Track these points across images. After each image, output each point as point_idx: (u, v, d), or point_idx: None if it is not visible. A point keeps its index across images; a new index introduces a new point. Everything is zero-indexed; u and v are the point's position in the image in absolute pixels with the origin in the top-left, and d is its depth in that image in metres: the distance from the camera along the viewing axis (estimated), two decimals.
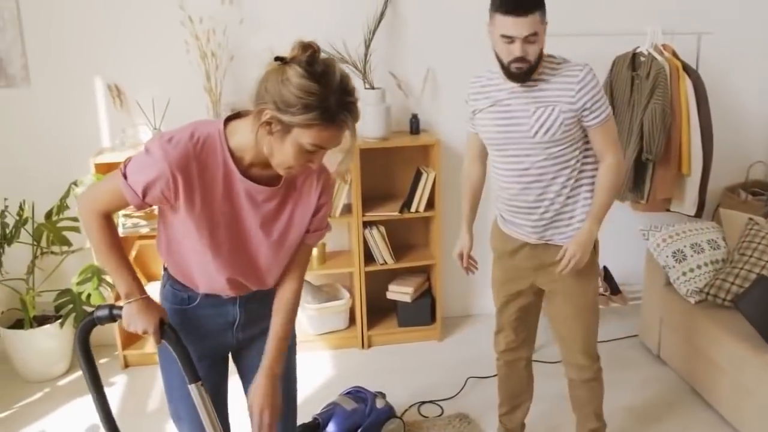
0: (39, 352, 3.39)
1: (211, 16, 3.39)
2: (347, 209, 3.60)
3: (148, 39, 3.43)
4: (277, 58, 1.49)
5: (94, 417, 3.07)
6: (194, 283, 1.76)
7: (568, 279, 2.34)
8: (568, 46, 3.73)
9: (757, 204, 3.73)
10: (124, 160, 1.62)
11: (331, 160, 1.68)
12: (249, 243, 1.71)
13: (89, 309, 3.38)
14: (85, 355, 1.77)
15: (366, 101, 3.48)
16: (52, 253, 3.40)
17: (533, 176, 2.24)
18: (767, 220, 3.25)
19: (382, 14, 3.52)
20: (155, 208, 1.82)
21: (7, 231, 3.30)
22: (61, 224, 3.33)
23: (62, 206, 3.33)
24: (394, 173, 3.81)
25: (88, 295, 3.21)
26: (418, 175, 3.58)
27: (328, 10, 3.54)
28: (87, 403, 3.24)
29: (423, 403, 3.19)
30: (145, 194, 1.57)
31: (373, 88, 3.51)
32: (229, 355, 1.98)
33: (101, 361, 3.56)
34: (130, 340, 3.55)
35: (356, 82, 3.55)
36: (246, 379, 1.97)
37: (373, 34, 3.51)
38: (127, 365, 3.53)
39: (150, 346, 3.49)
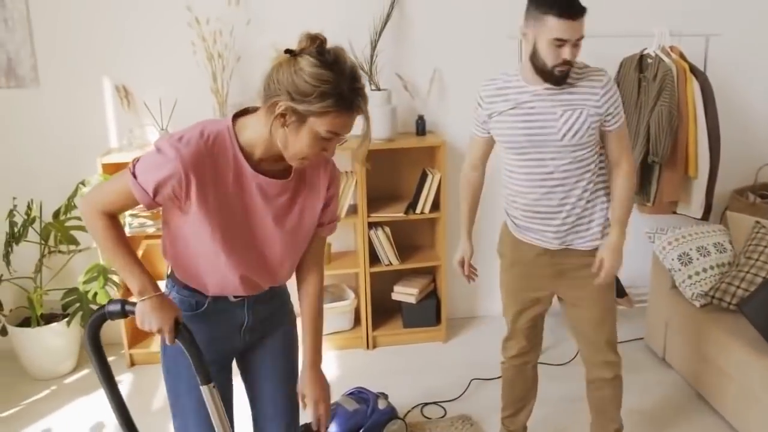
0: (46, 350, 3.42)
1: (218, 18, 3.41)
2: (353, 210, 3.61)
3: (156, 40, 3.46)
4: (287, 51, 1.52)
5: (99, 415, 3.13)
6: (204, 286, 1.75)
7: (593, 284, 2.33)
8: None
9: (766, 207, 3.70)
10: (133, 160, 1.61)
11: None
12: (263, 238, 1.72)
13: (96, 308, 3.41)
14: (96, 349, 1.74)
15: (372, 102, 3.46)
16: (60, 252, 3.44)
17: (557, 180, 2.22)
18: None
19: (389, 15, 3.53)
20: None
21: (16, 230, 3.33)
22: (68, 223, 3.36)
23: (70, 206, 3.36)
24: (400, 174, 3.81)
25: (95, 294, 3.24)
26: (423, 177, 3.58)
27: (334, 11, 3.55)
28: (93, 401, 3.27)
29: (426, 404, 3.19)
30: (156, 193, 1.57)
31: (379, 89, 3.52)
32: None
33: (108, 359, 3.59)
34: (137, 338, 3.58)
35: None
36: (251, 380, 1.96)
37: (380, 35, 3.52)
38: (133, 364, 3.55)
39: (156, 344, 3.51)
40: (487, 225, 4.00)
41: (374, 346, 3.75)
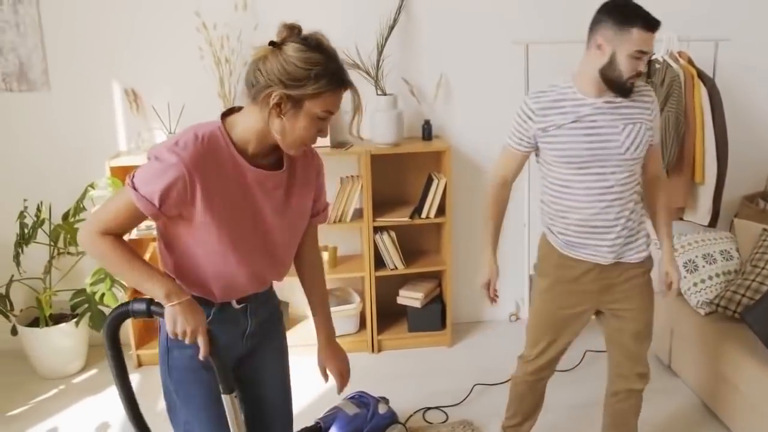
0: (55, 350, 3.47)
1: (225, 23, 3.45)
2: (358, 214, 3.63)
3: (164, 45, 3.50)
4: (271, 43, 1.56)
5: (106, 415, 3.17)
6: (210, 292, 1.75)
7: (640, 297, 2.33)
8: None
9: None
10: (129, 177, 1.59)
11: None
12: (266, 231, 1.74)
13: (104, 309, 3.47)
14: (113, 344, 1.72)
15: (377, 107, 3.50)
16: (69, 253, 3.49)
17: (615, 194, 2.20)
18: None
19: (396, 20, 3.54)
20: None
21: (26, 231, 3.39)
22: (77, 225, 3.41)
23: (79, 208, 3.41)
24: (406, 179, 3.82)
25: (102, 295, 3.29)
26: (429, 181, 3.58)
27: (341, 16, 3.57)
28: (100, 401, 3.31)
29: (428, 408, 3.20)
30: (162, 202, 1.56)
31: (384, 94, 3.53)
32: None
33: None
34: (144, 339, 3.62)
35: (368, 88, 3.62)
36: (250, 386, 1.96)
37: (386, 39, 3.53)
38: (140, 364, 3.59)
39: None
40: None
41: (379, 350, 3.76)
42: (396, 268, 3.65)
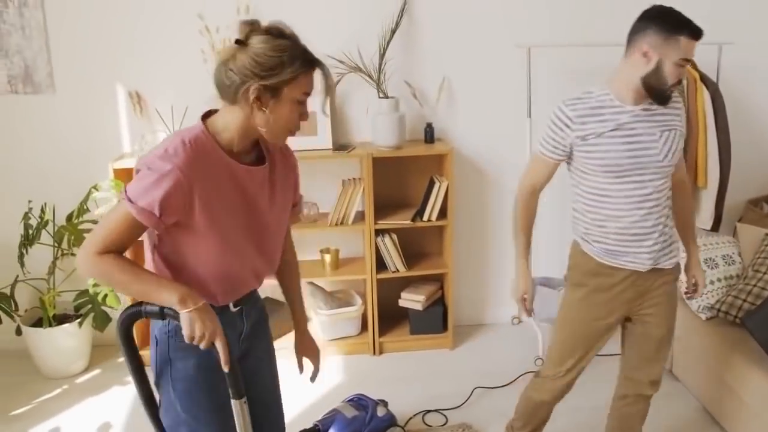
0: (58, 350, 3.50)
1: (228, 26, 3.47)
2: (360, 217, 3.63)
3: (168, 48, 3.52)
4: (237, 41, 1.59)
5: (108, 415, 3.20)
6: (213, 295, 1.75)
7: (667, 302, 2.34)
8: (586, 55, 3.73)
9: None
10: (122, 193, 1.59)
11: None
12: (261, 226, 1.77)
13: (107, 310, 3.49)
14: (128, 344, 1.72)
15: (379, 110, 3.51)
16: (72, 254, 3.52)
17: (653, 201, 2.19)
18: None
19: (398, 23, 3.55)
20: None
21: (30, 232, 3.42)
22: (81, 226, 3.44)
23: (82, 209, 3.44)
24: (409, 182, 3.83)
25: (105, 296, 3.31)
26: (431, 184, 3.59)
27: (343, 19, 3.58)
28: (102, 401, 3.34)
29: (428, 411, 3.20)
30: (162, 211, 1.55)
31: (386, 97, 3.54)
32: None
33: (118, 360, 3.67)
34: (147, 340, 3.65)
35: (370, 91, 3.62)
36: (245, 386, 1.98)
37: (388, 43, 3.54)
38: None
39: None
40: (499, 230, 4.02)
41: (381, 352, 3.77)
42: (397, 270, 3.66)
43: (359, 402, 2.96)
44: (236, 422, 1.69)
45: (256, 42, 1.56)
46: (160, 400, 1.80)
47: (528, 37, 3.67)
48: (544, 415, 2.57)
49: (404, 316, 3.86)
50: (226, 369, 1.61)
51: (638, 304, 2.32)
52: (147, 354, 3.52)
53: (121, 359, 3.68)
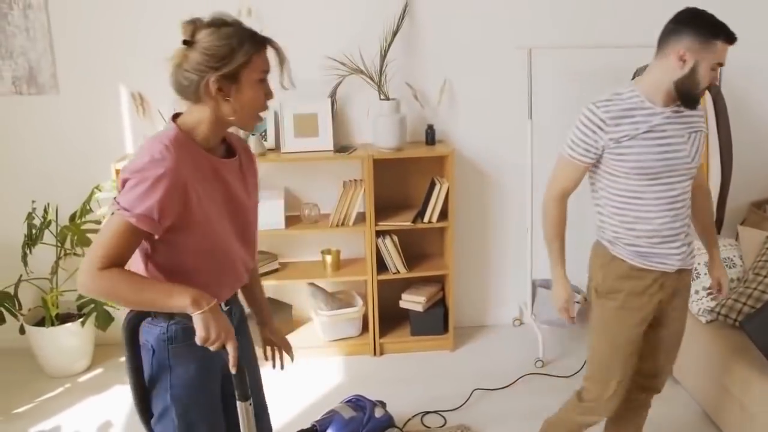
0: (61, 349, 3.53)
1: None
2: (361, 218, 3.64)
3: (170, 49, 3.53)
4: (184, 42, 1.62)
5: (109, 414, 3.22)
6: (217, 293, 1.76)
7: (684, 303, 2.34)
8: (587, 57, 3.73)
9: None
10: (113, 207, 1.57)
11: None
12: (244, 216, 1.80)
13: (109, 309, 3.52)
14: (132, 344, 1.71)
15: (380, 112, 3.52)
16: (75, 254, 3.55)
17: (681, 202, 2.19)
18: None
19: (399, 25, 3.55)
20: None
21: (34, 232, 3.45)
22: (84, 227, 3.47)
23: (85, 210, 3.46)
24: (410, 183, 3.83)
25: None
26: (432, 186, 3.59)
27: (345, 21, 3.59)
28: (104, 400, 3.36)
29: (427, 413, 3.20)
30: (161, 214, 1.55)
31: (387, 98, 3.54)
32: None
33: (120, 360, 3.69)
34: None
35: (371, 93, 3.63)
36: (231, 384, 1.95)
37: (390, 44, 3.54)
38: None
39: None
40: (500, 232, 4.02)
41: (381, 353, 3.78)
42: (398, 271, 3.66)
43: (357, 403, 2.97)
44: (241, 424, 1.69)
45: (203, 37, 1.60)
46: (151, 410, 1.77)
47: (529, 39, 3.67)
48: None
49: (405, 317, 3.86)
50: (233, 371, 1.61)
51: (666, 306, 2.31)
52: None
53: (121, 359, 3.71)
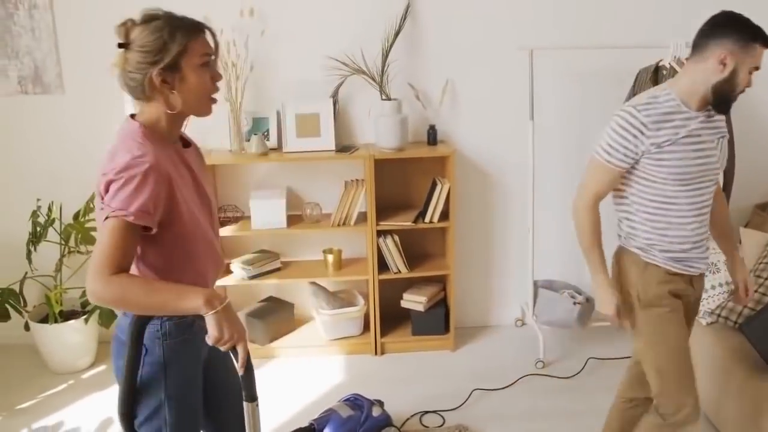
0: (65, 346, 3.57)
1: (233, 28, 3.51)
2: (362, 218, 3.65)
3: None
4: (120, 45, 1.66)
5: (111, 411, 3.25)
6: (207, 281, 1.80)
7: (698, 304, 2.35)
8: (589, 58, 3.72)
9: None
10: (104, 211, 1.57)
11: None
12: (211, 205, 1.86)
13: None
14: (136, 343, 1.70)
15: (382, 112, 3.53)
16: (79, 252, 3.58)
17: (707, 207, 2.18)
18: None
19: (401, 25, 3.56)
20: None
21: (38, 229, 3.49)
22: (88, 225, 3.51)
23: (89, 208, 3.50)
24: (412, 183, 3.84)
25: None
26: (433, 186, 3.60)
27: (347, 22, 3.60)
28: (106, 397, 3.40)
29: (426, 412, 3.21)
30: (155, 208, 1.58)
31: (389, 99, 3.55)
32: None
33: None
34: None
35: (373, 93, 3.64)
36: (214, 370, 1.96)
37: (392, 45, 3.55)
38: None
39: None
40: (503, 230, 4.02)
41: (382, 353, 3.79)
42: (399, 271, 3.67)
43: (355, 402, 2.99)
44: (246, 424, 1.69)
45: (136, 35, 1.64)
46: (137, 411, 1.77)
47: (531, 40, 3.66)
48: None
49: (406, 317, 3.87)
50: (241, 372, 1.61)
51: (691, 309, 2.31)
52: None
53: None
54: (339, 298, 3.81)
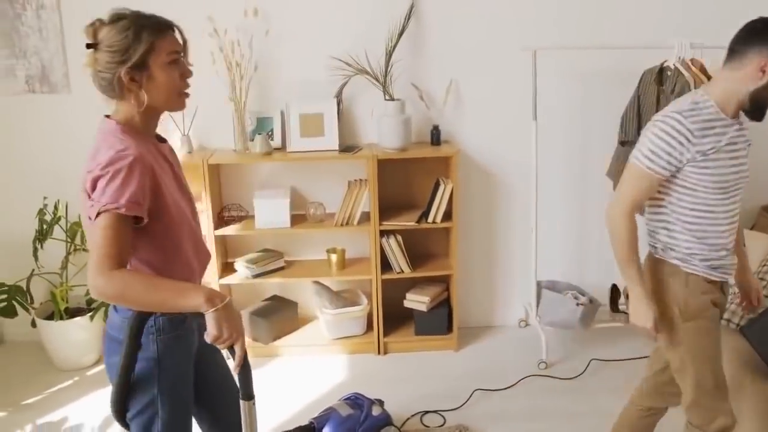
0: (70, 343, 3.61)
1: (237, 28, 3.53)
2: (365, 217, 3.67)
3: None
4: (88, 46, 1.69)
5: None
6: (196, 274, 1.84)
7: None
8: (592, 58, 3.71)
9: None
10: (94, 210, 1.58)
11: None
12: (191, 198, 1.90)
13: None
14: (133, 340, 1.72)
15: (385, 112, 3.54)
16: (84, 250, 3.62)
17: (738, 213, 2.17)
18: None
19: (405, 26, 3.57)
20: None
21: (45, 227, 3.53)
22: None
23: None
24: (416, 183, 3.85)
25: None
26: (436, 186, 3.60)
27: (351, 22, 3.61)
28: (109, 393, 3.42)
29: (427, 412, 3.22)
30: (144, 198, 1.61)
31: (392, 99, 3.56)
32: None
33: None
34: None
35: (376, 93, 3.65)
36: (206, 365, 1.98)
37: (395, 45, 3.56)
38: None
39: None
40: (506, 230, 4.02)
41: (385, 352, 3.80)
42: (402, 271, 3.68)
43: (355, 401, 3.00)
44: (243, 423, 1.70)
45: (104, 35, 1.67)
46: (129, 405, 1.79)
47: (534, 40, 3.66)
48: None
49: (409, 316, 3.88)
50: (237, 370, 1.63)
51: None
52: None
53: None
54: (342, 298, 3.82)
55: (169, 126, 3.67)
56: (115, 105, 1.75)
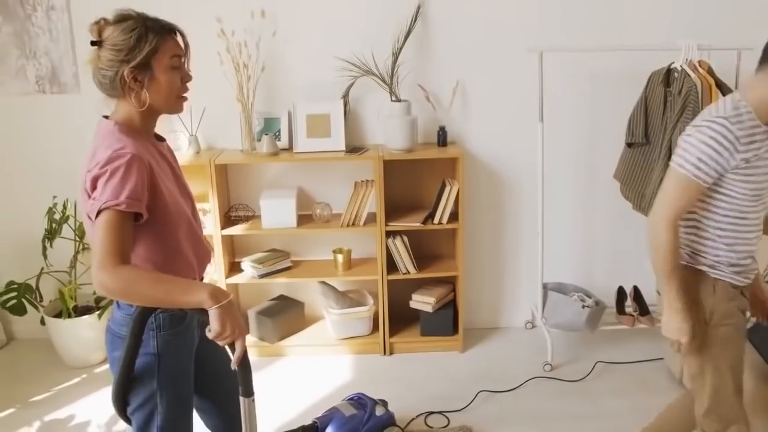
0: (79, 341, 3.64)
1: (244, 29, 3.55)
2: (372, 218, 3.68)
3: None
4: (92, 43, 1.71)
5: None
6: (195, 272, 1.86)
7: None
8: (598, 60, 3.70)
9: None
10: (94, 209, 1.60)
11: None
12: (191, 194, 1.92)
13: None
14: (135, 337, 1.73)
15: (391, 113, 3.55)
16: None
17: (763, 220, 2.15)
18: None
19: (411, 27, 3.57)
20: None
21: (54, 226, 3.57)
22: None
23: None
24: (422, 184, 3.85)
25: None
26: (442, 187, 3.61)
27: (357, 23, 3.62)
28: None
29: (431, 413, 3.22)
30: (143, 194, 1.63)
31: (399, 100, 3.57)
32: None
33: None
34: None
35: (383, 94, 3.66)
36: (210, 361, 2.01)
37: (402, 46, 3.57)
38: None
39: None
40: (512, 232, 4.01)
41: (391, 353, 3.81)
42: (408, 272, 3.69)
43: (359, 401, 3.01)
44: (242, 420, 1.72)
45: (109, 34, 1.70)
46: (130, 399, 1.81)
47: (540, 41, 3.66)
48: None
49: (415, 317, 3.89)
50: (235, 367, 1.64)
51: None
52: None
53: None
54: (348, 298, 3.83)
55: (176, 126, 3.70)
56: (115, 105, 1.77)
